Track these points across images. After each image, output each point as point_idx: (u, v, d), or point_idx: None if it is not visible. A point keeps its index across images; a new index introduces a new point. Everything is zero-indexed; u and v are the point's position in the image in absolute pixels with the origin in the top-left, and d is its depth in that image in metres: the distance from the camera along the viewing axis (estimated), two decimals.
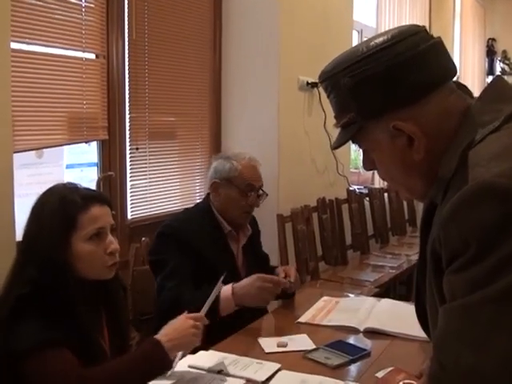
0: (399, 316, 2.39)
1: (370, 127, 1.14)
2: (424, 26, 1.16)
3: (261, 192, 2.68)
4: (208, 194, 2.71)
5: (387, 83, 1.10)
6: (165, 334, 1.73)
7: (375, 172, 4.38)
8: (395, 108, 1.11)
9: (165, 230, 2.53)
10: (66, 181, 1.84)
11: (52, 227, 1.66)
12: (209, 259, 2.47)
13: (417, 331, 2.19)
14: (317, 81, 4.17)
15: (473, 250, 0.95)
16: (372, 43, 1.12)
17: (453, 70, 1.15)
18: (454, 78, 1.17)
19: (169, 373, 1.74)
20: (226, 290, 2.29)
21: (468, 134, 1.08)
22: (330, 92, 1.19)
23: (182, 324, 1.77)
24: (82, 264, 1.69)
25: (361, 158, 4.52)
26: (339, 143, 1.21)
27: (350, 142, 1.20)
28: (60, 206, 1.67)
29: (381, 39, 1.12)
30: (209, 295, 1.98)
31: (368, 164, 1.23)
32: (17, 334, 1.57)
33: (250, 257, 2.70)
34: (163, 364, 1.69)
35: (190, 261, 2.43)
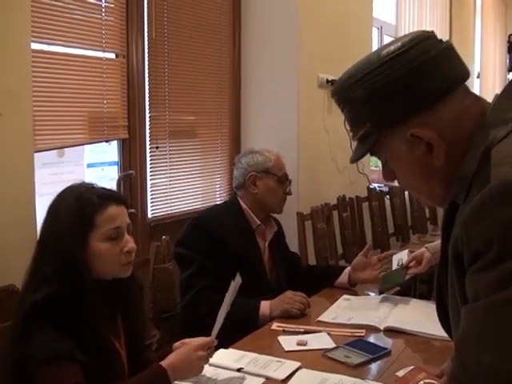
0: (420, 315, 2.38)
1: (387, 137, 1.13)
2: (433, 31, 1.15)
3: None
4: (234, 192, 2.77)
5: (401, 91, 1.09)
6: (171, 363, 1.69)
7: None
8: (411, 115, 1.09)
9: (197, 222, 2.58)
10: (82, 180, 1.84)
11: (69, 226, 1.66)
12: (237, 253, 2.52)
13: (437, 330, 2.17)
14: (336, 78, 4.15)
15: (495, 250, 0.94)
16: (383, 52, 1.11)
17: (466, 72, 1.14)
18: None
19: None
20: (265, 308, 2.42)
21: (490, 131, 1.06)
22: (343, 106, 1.19)
23: (189, 355, 1.73)
24: (99, 263, 1.69)
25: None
26: (357, 157, 1.20)
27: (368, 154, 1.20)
28: (77, 206, 1.67)
29: (391, 48, 1.11)
30: (241, 309, 2.22)
31: (388, 175, 1.22)
32: (31, 341, 1.57)
33: (275, 254, 2.76)
34: None
35: (219, 258, 2.47)
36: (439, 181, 1.14)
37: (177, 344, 1.86)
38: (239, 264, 2.45)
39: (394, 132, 1.12)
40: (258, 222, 2.66)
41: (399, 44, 1.11)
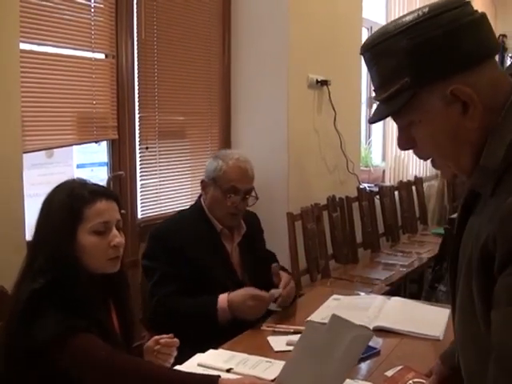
0: (409, 314, 2.39)
1: (424, 94, 1.10)
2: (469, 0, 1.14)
3: (253, 194, 2.62)
4: (200, 195, 2.67)
5: (447, 46, 1.07)
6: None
7: (385, 170, 4.33)
8: (453, 72, 1.08)
9: (154, 233, 2.53)
10: (76, 177, 1.86)
11: (60, 221, 1.69)
12: (200, 260, 2.44)
13: (426, 330, 2.20)
14: (326, 79, 4.13)
15: None
16: (427, 9, 1.10)
17: (498, 44, 1.14)
18: None
19: None
20: (222, 301, 2.31)
21: None
22: (378, 59, 1.14)
23: None
24: (87, 256, 1.71)
25: (372, 154, 4.47)
26: (384, 115, 1.17)
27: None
28: (68, 200, 1.71)
29: (437, 4, 1.10)
30: (200, 305, 2.28)
31: (406, 142, 1.19)
32: (38, 326, 1.58)
33: (246, 255, 2.64)
34: None
35: (179, 265, 2.41)
36: (469, 146, 1.11)
37: (149, 343, 1.90)
38: (201, 270, 2.42)
39: (433, 88, 1.09)
40: (220, 227, 2.56)
41: (444, 2, 1.10)
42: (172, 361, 1.91)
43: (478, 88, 1.08)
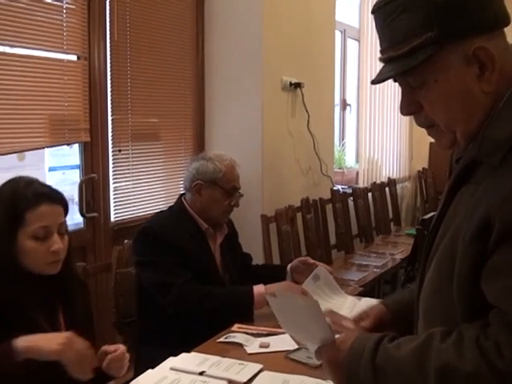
0: None
1: (446, 50, 1.08)
2: None
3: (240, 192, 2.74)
4: (181, 195, 2.75)
5: (477, 4, 1.06)
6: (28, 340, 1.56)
7: (359, 171, 4.33)
8: (478, 32, 1.07)
9: (146, 231, 2.54)
10: (24, 175, 1.82)
11: (0, 221, 1.68)
12: (191, 255, 2.50)
13: None
14: (300, 81, 4.11)
15: None
16: None
17: (509, 15, 1.13)
18: None
19: None
20: (259, 287, 2.44)
21: None
22: (399, 13, 1.10)
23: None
24: (26, 259, 1.71)
25: (346, 156, 4.48)
26: (399, 71, 1.12)
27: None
28: (10, 202, 1.70)
29: None
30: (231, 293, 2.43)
31: (411, 106, 1.16)
32: None
33: (227, 256, 2.73)
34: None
35: (178, 257, 2.46)
36: (481, 110, 1.10)
37: (111, 347, 1.81)
38: (195, 264, 2.49)
39: (456, 45, 1.07)
40: (206, 226, 2.64)
41: None
42: (125, 371, 1.82)
43: (497, 51, 1.07)
